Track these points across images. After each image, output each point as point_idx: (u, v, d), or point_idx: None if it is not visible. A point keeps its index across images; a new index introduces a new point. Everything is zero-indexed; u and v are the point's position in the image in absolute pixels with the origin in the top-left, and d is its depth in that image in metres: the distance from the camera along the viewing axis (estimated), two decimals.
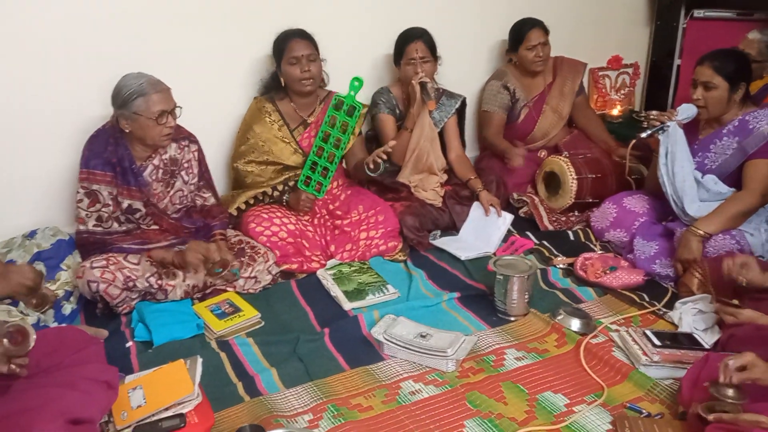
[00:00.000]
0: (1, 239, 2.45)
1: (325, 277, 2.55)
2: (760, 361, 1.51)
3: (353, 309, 2.35)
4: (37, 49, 2.51)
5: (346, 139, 2.68)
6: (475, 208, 2.95)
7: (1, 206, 2.59)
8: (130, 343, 2.16)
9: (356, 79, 2.69)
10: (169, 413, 1.74)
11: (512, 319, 2.29)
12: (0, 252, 2.35)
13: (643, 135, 2.55)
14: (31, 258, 2.33)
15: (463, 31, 3.38)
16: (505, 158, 3.12)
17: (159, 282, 2.30)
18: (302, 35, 2.71)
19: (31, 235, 2.44)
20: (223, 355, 2.09)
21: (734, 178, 2.47)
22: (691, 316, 2.18)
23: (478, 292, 2.47)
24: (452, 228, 2.96)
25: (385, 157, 2.66)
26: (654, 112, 2.63)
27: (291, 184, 2.77)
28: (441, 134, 3.08)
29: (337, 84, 2.91)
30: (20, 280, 1.91)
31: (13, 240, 2.43)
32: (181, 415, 1.73)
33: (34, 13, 2.47)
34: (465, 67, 3.40)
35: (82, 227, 2.35)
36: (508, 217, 2.89)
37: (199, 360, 1.93)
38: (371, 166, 2.67)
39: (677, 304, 2.27)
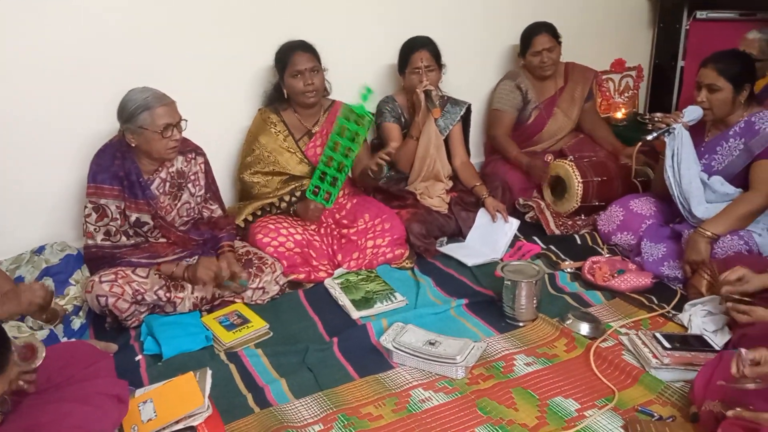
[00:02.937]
0: (10, 255, 2.46)
1: (333, 286, 2.55)
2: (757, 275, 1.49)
3: (361, 318, 2.35)
4: (44, 65, 2.53)
5: (355, 148, 2.68)
6: (482, 215, 2.95)
7: (10, 222, 2.61)
8: (139, 357, 2.16)
9: (367, 88, 2.69)
10: (180, 426, 1.74)
11: (521, 324, 2.29)
12: (9, 268, 2.37)
13: (649, 137, 2.55)
14: (40, 273, 2.35)
15: (469, 38, 3.39)
16: (530, 174, 3.15)
17: (167, 295, 2.31)
18: (304, 48, 2.72)
19: (40, 250, 2.45)
20: (232, 366, 2.09)
21: (741, 179, 2.47)
22: (700, 317, 2.17)
23: (486, 298, 2.47)
24: (459, 234, 2.96)
25: (387, 158, 2.66)
26: (659, 115, 2.63)
27: (298, 194, 2.78)
28: (446, 141, 3.09)
29: (341, 93, 2.92)
30: (31, 298, 1.93)
31: (22, 256, 2.44)
32: (191, 428, 1.73)
33: (42, 30, 2.50)
34: (470, 74, 3.41)
35: (90, 242, 2.36)
36: (514, 223, 2.88)
37: (209, 372, 1.94)
38: (374, 168, 2.68)
39: (686, 306, 2.26)
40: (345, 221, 2.81)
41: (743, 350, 1.50)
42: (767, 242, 2.39)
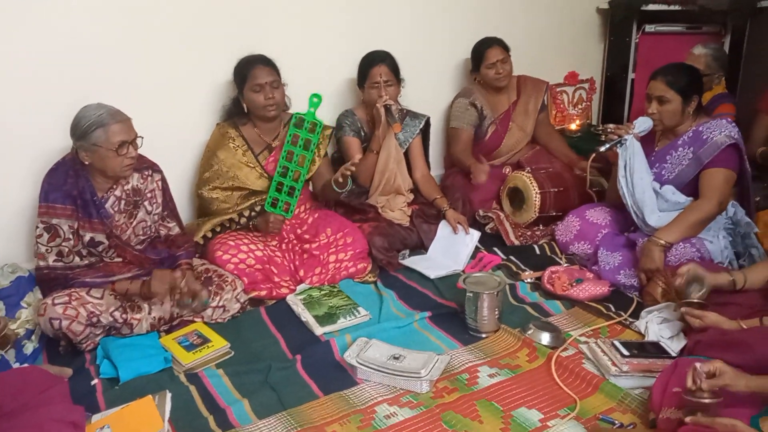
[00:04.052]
0: None
1: (295, 302, 2.53)
2: (728, 367, 1.54)
3: (325, 334, 2.34)
4: None
5: (309, 155, 2.67)
6: (443, 227, 2.97)
7: None
8: (95, 381, 2.10)
9: (314, 95, 2.69)
10: None
11: (483, 335, 2.31)
12: None
13: (602, 149, 2.61)
14: None
15: (427, 52, 3.43)
16: (470, 174, 3.17)
17: (124, 316, 2.25)
18: (265, 62, 2.70)
19: None
20: (192, 388, 2.05)
21: (691, 188, 2.54)
22: (656, 324, 2.23)
23: (449, 311, 2.48)
24: (420, 247, 2.98)
25: (353, 169, 2.65)
26: (611, 126, 2.70)
27: (257, 209, 2.75)
28: (406, 154, 3.11)
29: (300, 106, 2.90)
30: None
31: None
32: None
33: None
34: (429, 87, 3.45)
35: (42, 263, 2.29)
36: (475, 234, 2.91)
37: (168, 395, 1.90)
38: (340, 180, 2.66)
39: (643, 314, 2.32)
40: (306, 236, 2.79)
41: (698, 364, 1.55)
42: (718, 249, 2.47)
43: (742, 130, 2.55)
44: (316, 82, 3.13)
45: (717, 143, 2.46)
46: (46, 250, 2.28)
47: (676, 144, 2.57)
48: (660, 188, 2.57)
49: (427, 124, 3.18)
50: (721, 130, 2.48)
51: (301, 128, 2.65)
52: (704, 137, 2.50)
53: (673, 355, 2.04)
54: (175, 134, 2.84)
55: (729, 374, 1.53)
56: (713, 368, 1.54)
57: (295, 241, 2.80)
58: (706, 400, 1.52)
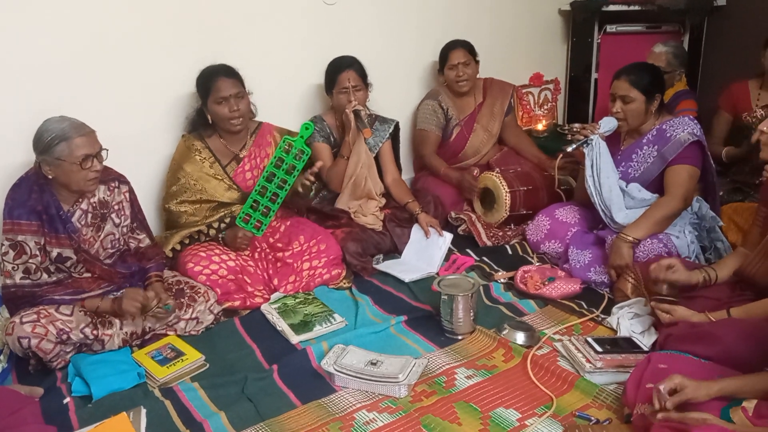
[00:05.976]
0: None
1: (270, 311, 2.51)
2: (687, 380, 1.57)
3: (301, 342, 2.33)
4: None
5: (291, 180, 2.66)
6: (416, 230, 2.98)
7: None
8: (67, 399, 2.05)
9: (307, 124, 2.70)
10: None
11: (459, 337, 2.32)
12: None
13: (569, 149, 2.65)
14: None
15: (394, 56, 3.45)
16: (460, 189, 3.22)
17: (95, 332, 2.20)
18: (228, 73, 2.67)
19: None
20: (167, 403, 2.02)
21: (657, 185, 2.60)
22: (628, 320, 2.27)
23: (425, 314, 2.49)
24: (394, 251, 2.98)
25: (312, 179, 2.64)
26: (577, 125, 2.74)
27: (227, 221, 2.72)
28: (377, 159, 3.11)
29: (266, 114, 2.89)
30: None
31: None
32: None
33: None
34: (397, 91, 3.47)
35: (8, 281, 2.23)
36: (448, 237, 2.93)
37: (143, 411, 1.88)
38: (301, 191, 2.65)
39: (614, 310, 2.35)
40: (279, 244, 2.77)
41: (662, 386, 1.57)
42: (684, 243, 2.53)
43: (703, 126, 2.62)
44: (283, 89, 3.13)
45: (680, 141, 2.52)
46: (13, 267, 2.23)
47: (641, 143, 2.62)
48: (626, 186, 2.62)
49: (397, 128, 3.19)
50: (684, 128, 2.53)
51: (288, 154, 2.63)
52: (668, 135, 2.55)
53: (645, 349, 2.08)
54: (137, 146, 2.79)
55: (690, 387, 1.55)
56: (674, 385, 1.57)
57: (267, 250, 2.78)
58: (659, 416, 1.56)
